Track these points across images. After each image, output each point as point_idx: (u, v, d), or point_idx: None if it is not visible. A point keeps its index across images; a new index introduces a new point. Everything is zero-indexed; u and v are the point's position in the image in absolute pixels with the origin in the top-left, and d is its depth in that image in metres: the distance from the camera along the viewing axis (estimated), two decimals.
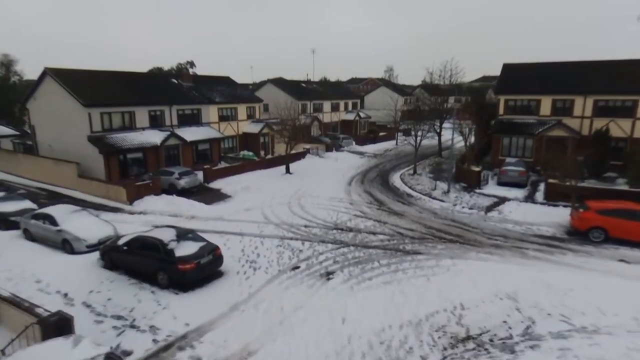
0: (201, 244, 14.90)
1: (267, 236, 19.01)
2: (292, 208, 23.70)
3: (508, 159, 29.32)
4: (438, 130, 40.73)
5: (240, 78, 58.01)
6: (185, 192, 27.29)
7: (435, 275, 14.69)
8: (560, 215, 21.13)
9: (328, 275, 14.90)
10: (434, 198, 25.26)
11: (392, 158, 42.44)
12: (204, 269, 14.25)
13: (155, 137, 31.25)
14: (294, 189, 28.37)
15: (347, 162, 39.56)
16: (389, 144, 53.02)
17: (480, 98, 48.76)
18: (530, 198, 24.42)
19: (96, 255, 16.30)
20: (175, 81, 38.08)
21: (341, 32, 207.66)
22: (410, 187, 28.34)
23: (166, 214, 23.02)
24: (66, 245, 17.13)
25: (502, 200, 24.24)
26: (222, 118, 39.53)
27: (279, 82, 54.13)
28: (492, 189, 26.93)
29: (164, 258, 14.13)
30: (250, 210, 23.50)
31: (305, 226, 20.40)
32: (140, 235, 15.32)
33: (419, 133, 33.22)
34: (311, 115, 53.39)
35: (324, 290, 13.72)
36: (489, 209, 22.64)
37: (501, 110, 34.34)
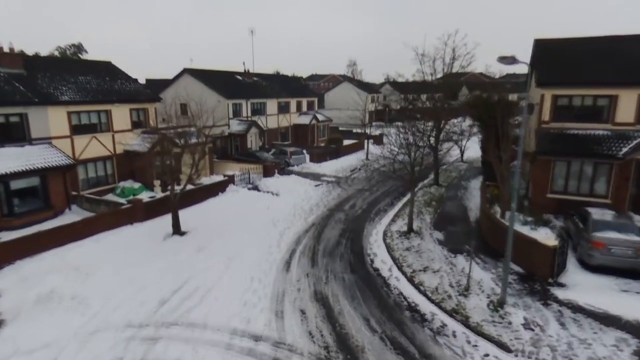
0: None
1: None
2: None
3: (595, 212, 15.12)
4: (434, 144, 26.22)
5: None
6: None
7: None
8: None
9: None
10: (479, 331, 10.59)
11: (364, 186, 27.74)
12: None
13: None
14: (162, 294, 12.94)
15: (292, 197, 24.48)
16: (356, 159, 38.37)
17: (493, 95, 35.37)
18: None
19: None
20: None
21: (300, 27, 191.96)
22: (412, 281, 13.52)
23: None
24: None
25: None
26: (80, 129, 23.35)
27: (201, 74, 38.15)
28: (582, 284, 12.79)
29: None
30: None
31: None
32: None
33: (416, 147, 18.33)
34: (248, 120, 37.89)
35: None
36: None
37: (546, 115, 20.43)
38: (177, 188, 18.98)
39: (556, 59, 21.25)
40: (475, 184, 27.47)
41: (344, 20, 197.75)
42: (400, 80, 45.36)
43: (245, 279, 13.83)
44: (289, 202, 23.50)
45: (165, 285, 13.55)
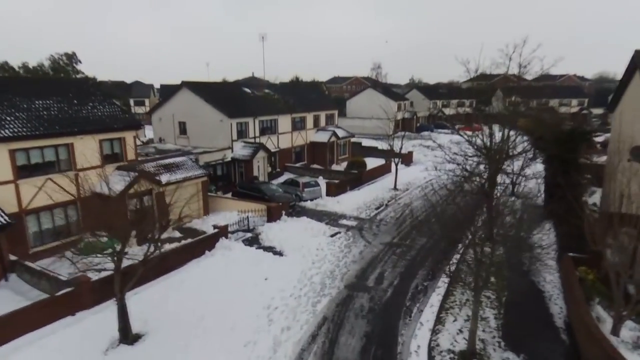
0: None
1: None
2: None
3: None
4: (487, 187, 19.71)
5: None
6: None
7: None
8: None
9: None
10: None
11: (394, 237, 21.64)
12: None
13: None
14: None
15: (300, 259, 18.69)
16: (382, 188, 32.36)
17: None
18: None
19: None
20: None
21: (325, 29, 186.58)
22: None
23: None
24: None
25: None
26: (29, 170, 18.31)
27: (201, 89, 32.86)
28: None
29: None
30: None
31: None
32: None
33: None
34: (255, 142, 32.39)
35: None
36: None
37: None
38: (159, 246, 13.48)
39: None
40: (542, 239, 20.92)
41: (369, 20, 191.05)
42: (425, 82, 38.96)
43: None
44: (295, 268, 17.70)
45: None
